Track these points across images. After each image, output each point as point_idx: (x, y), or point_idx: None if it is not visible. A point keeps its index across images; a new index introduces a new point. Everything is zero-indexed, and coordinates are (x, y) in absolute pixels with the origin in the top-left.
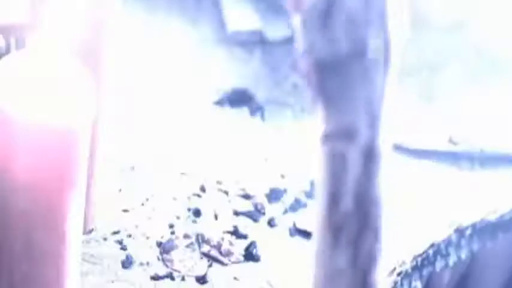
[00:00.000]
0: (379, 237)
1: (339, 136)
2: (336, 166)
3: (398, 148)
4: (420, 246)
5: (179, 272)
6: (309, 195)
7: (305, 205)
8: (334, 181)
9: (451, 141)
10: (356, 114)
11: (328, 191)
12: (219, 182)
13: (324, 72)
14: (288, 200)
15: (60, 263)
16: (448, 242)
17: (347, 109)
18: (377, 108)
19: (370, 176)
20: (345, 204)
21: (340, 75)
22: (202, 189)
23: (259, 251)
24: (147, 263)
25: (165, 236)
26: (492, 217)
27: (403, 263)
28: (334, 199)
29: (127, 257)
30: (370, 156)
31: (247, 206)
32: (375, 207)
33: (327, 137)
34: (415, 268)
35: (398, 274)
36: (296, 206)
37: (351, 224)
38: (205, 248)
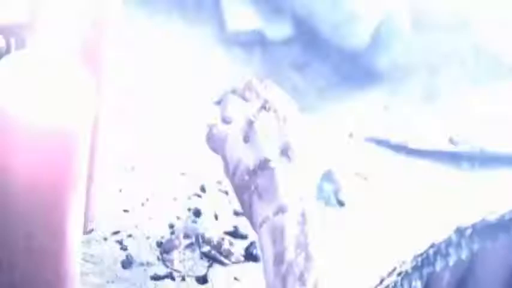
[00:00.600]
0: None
1: (275, 214)
2: (278, 234)
3: (399, 148)
4: (420, 246)
5: (179, 272)
6: None
7: None
8: (278, 244)
9: (451, 141)
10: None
11: (275, 251)
12: (219, 182)
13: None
14: None
15: (60, 263)
16: (448, 242)
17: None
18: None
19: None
20: (289, 255)
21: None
22: (202, 189)
23: (259, 251)
24: (147, 263)
25: (165, 236)
26: (492, 217)
27: (404, 263)
28: (280, 256)
29: (127, 257)
30: (303, 219)
31: None
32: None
33: (266, 218)
34: (415, 268)
35: (399, 274)
36: None
37: (295, 268)
38: (205, 248)
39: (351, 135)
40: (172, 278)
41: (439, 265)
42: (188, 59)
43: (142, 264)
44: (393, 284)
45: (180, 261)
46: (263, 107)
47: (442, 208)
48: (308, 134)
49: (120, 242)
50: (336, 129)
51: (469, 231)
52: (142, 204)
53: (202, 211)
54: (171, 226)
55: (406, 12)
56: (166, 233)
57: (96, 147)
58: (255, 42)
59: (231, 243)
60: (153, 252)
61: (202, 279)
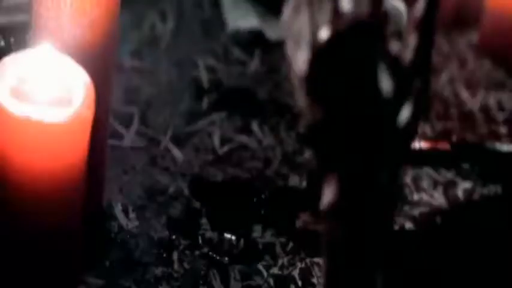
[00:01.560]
0: None
1: None
2: None
3: None
4: None
5: (179, 272)
6: None
7: None
8: None
9: (451, 143)
10: None
11: None
12: (220, 182)
13: None
14: None
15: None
16: None
17: None
18: None
19: None
20: None
21: None
22: (204, 188)
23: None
24: (147, 263)
25: (165, 236)
26: None
27: None
28: None
29: (127, 257)
30: None
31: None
32: None
33: None
34: None
35: None
36: None
37: None
38: (205, 248)
39: None
40: (173, 278)
41: None
42: (187, 59)
43: (142, 264)
44: None
45: (180, 261)
46: None
47: None
48: None
49: (120, 242)
50: None
51: None
52: (143, 204)
53: (202, 211)
54: (171, 226)
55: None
56: (166, 233)
57: (100, 146)
58: (255, 42)
59: (231, 243)
60: (153, 252)
61: (202, 279)
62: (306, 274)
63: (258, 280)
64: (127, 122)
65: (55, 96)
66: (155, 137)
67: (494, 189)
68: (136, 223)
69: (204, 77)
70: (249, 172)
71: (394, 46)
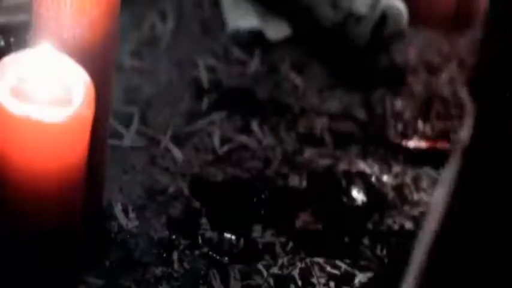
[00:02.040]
0: None
1: None
2: None
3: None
4: None
5: (179, 272)
6: None
7: None
8: None
9: (451, 142)
10: None
11: None
12: (219, 181)
13: None
14: None
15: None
16: None
17: None
18: None
19: None
20: None
21: None
22: (203, 188)
23: (259, 250)
24: (147, 263)
25: (165, 236)
26: None
27: None
28: None
29: (127, 257)
30: None
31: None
32: None
33: None
34: None
35: None
36: None
37: None
38: (205, 248)
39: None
40: (173, 278)
41: None
42: (187, 58)
43: (142, 264)
44: None
45: (180, 261)
46: None
47: None
48: None
49: (120, 242)
50: None
51: None
52: (143, 204)
53: (202, 211)
54: (171, 226)
55: (406, 10)
56: (166, 233)
57: (102, 144)
58: (255, 42)
59: (231, 243)
60: (153, 252)
61: (202, 279)
62: (305, 274)
63: (258, 280)
64: (127, 122)
65: (55, 96)
66: (155, 136)
67: None
68: (136, 223)
69: (204, 77)
70: (249, 172)
71: None
